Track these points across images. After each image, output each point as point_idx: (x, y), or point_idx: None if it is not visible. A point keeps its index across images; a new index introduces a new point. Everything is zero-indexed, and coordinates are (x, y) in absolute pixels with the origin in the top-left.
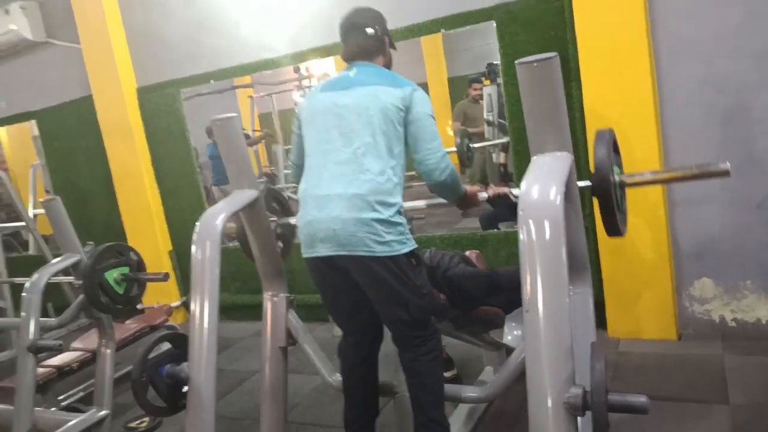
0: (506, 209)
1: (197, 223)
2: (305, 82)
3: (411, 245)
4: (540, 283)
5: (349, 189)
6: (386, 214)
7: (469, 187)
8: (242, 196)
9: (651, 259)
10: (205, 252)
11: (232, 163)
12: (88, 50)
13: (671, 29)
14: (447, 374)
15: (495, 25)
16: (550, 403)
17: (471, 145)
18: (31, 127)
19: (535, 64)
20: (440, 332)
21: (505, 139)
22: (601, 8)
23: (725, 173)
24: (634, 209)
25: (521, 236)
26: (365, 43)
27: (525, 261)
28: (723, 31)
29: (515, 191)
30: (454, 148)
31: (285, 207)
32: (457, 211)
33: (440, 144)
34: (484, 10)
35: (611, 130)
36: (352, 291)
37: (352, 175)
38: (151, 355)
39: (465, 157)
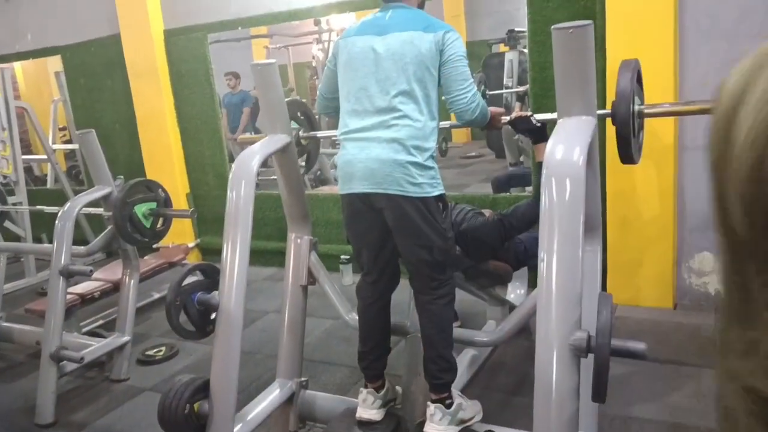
0: (527, 132)
1: (233, 165)
2: (324, 36)
3: (440, 189)
4: (557, 235)
5: (387, 132)
6: (420, 158)
7: (493, 109)
8: (276, 140)
9: (656, 230)
10: (240, 191)
11: (269, 108)
12: None
13: (699, 6)
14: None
15: None
16: (556, 344)
17: (487, 92)
18: (49, 63)
19: (570, 31)
20: None
21: (522, 89)
22: None
23: None
24: (644, 180)
25: (543, 193)
26: None
27: (545, 215)
28: (749, 10)
29: (538, 116)
30: None
31: (311, 120)
32: (470, 174)
33: (471, 84)
34: None
35: (637, 61)
36: (381, 229)
37: (391, 121)
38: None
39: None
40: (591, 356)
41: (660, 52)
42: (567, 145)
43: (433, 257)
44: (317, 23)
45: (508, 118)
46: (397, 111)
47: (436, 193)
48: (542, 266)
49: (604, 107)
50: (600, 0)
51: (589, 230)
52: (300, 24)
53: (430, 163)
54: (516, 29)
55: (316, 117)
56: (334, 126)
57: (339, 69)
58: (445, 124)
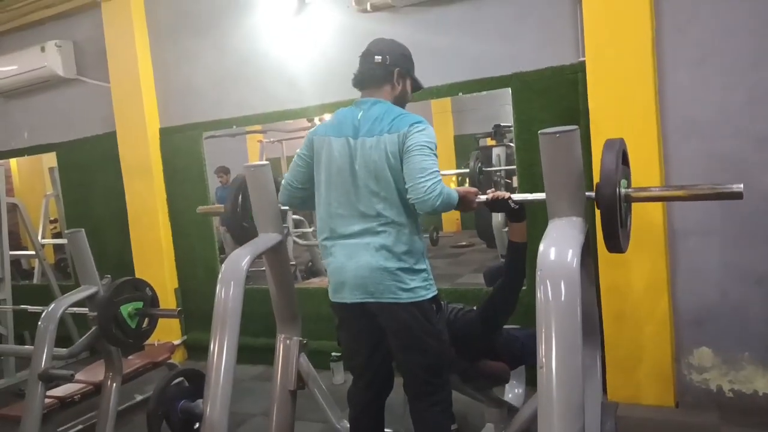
0: (506, 215)
1: (223, 264)
2: None
3: (434, 290)
4: (555, 341)
5: (376, 239)
6: (410, 262)
7: (462, 189)
8: (267, 239)
9: (652, 325)
10: (228, 292)
11: (261, 208)
12: (117, 89)
13: (679, 110)
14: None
15: (511, 92)
16: None
17: (483, 168)
18: (45, 159)
19: (557, 135)
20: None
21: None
22: (613, 84)
23: (738, 195)
24: (636, 274)
25: (539, 295)
26: (370, 71)
27: (541, 319)
28: (726, 114)
29: (515, 197)
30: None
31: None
32: (461, 264)
33: (430, 173)
34: (502, 78)
35: (621, 140)
36: (374, 333)
37: (378, 227)
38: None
39: (477, 179)
40: None
41: (644, 150)
42: (559, 247)
43: (428, 361)
44: (310, 120)
45: (483, 197)
46: (382, 217)
47: (429, 296)
48: (542, 374)
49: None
50: (583, 101)
51: (586, 334)
52: (294, 121)
53: (421, 265)
54: (502, 124)
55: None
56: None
57: (318, 167)
58: None
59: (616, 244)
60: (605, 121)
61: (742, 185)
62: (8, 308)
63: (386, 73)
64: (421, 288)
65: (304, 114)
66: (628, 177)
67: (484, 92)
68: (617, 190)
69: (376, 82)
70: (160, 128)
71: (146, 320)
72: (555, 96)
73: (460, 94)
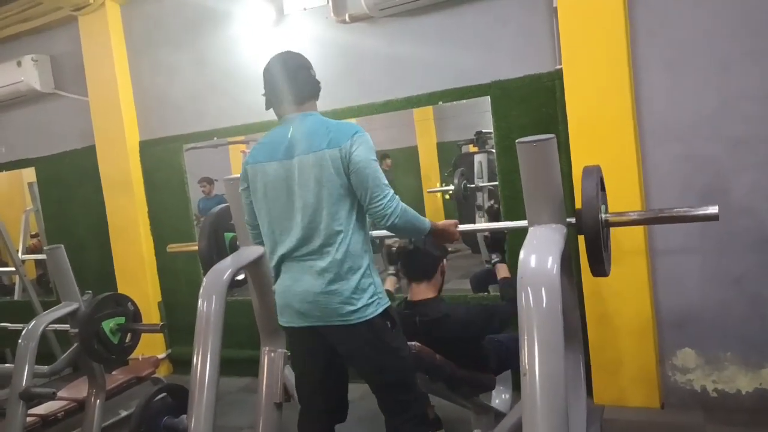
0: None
1: (204, 278)
2: None
3: (384, 304)
4: (537, 348)
5: (318, 262)
6: (355, 279)
7: (441, 224)
8: (248, 252)
9: (635, 328)
10: (210, 305)
11: (241, 221)
12: (96, 103)
13: (655, 112)
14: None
15: (490, 100)
16: None
17: (468, 185)
18: (25, 174)
19: (534, 144)
20: (430, 392)
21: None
22: (589, 91)
23: (713, 217)
24: (618, 278)
25: (520, 302)
26: (310, 84)
27: (523, 326)
28: (700, 116)
29: (487, 226)
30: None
31: None
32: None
33: (385, 186)
34: (480, 86)
35: (599, 168)
36: (326, 354)
37: (319, 249)
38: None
39: (462, 196)
40: None
41: (621, 154)
42: (540, 254)
43: (390, 379)
44: None
45: (463, 227)
46: (323, 237)
47: (380, 311)
48: (525, 381)
49: (572, 209)
50: (561, 107)
51: (568, 338)
52: None
53: (366, 280)
54: (483, 131)
55: None
56: None
57: (254, 196)
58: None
59: (601, 269)
60: (583, 127)
61: (717, 208)
62: None
63: (318, 89)
64: (369, 306)
65: None
66: (605, 202)
67: (464, 100)
68: (599, 216)
69: (313, 96)
70: (140, 141)
71: (129, 335)
72: (534, 103)
73: (440, 102)
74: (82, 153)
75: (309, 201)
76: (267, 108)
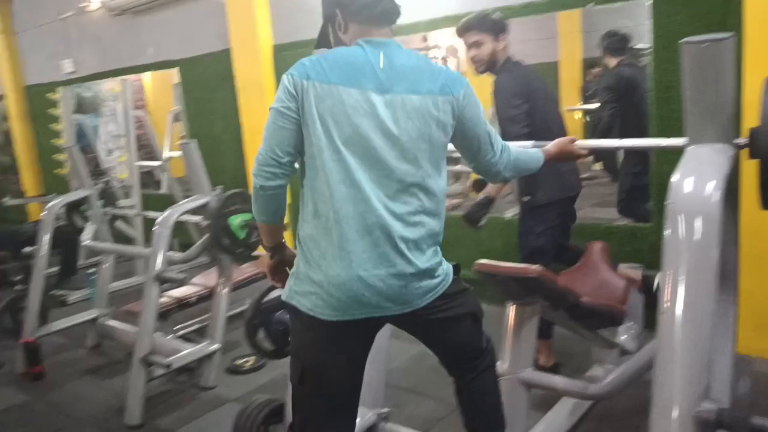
0: None
1: None
2: (431, 54)
3: (448, 267)
4: (683, 284)
5: (407, 232)
6: (440, 254)
7: (553, 145)
8: None
9: None
10: None
11: None
12: (231, 5)
13: None
14: (548, 362)
15: (651, 2)
16: (676, 413)
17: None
18: (173, 74)
19: (704, 45)
20: (550, 320)
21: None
22: None
23: None
24: None
25: (668, 231)
26: (397, 9)
27: (669, 257)
28: None
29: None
30: None
31: None
32: (582, 198)
33: (493, 143)
34: None
35: None
36: (357, 352)
37: (408, 217)
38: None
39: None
40: None
41: None
42: (699, 177)
43: (467, 332)
44: (424, 39)
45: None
46: (415, 203)
47: (452, 275)
48: (662, 319)
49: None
50: (737, 14)
51: (724, 279)
52: (406, 38)
53: (440, 249)
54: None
55: None
56: None
57: (322, 128)
58: None
59: None
60: (764, 38)
61: None
62: (133, 213)
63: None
64: (446, 271)
65: (412, 29)
66: None
67: (618, 3)
68: None
69: (394, 18)
70: (273, 45)
71: (255, 233)
72: (703, 8)
73: (593, 4)
74: (220, 56)
75: (409, 156)
76: (345, 19)
